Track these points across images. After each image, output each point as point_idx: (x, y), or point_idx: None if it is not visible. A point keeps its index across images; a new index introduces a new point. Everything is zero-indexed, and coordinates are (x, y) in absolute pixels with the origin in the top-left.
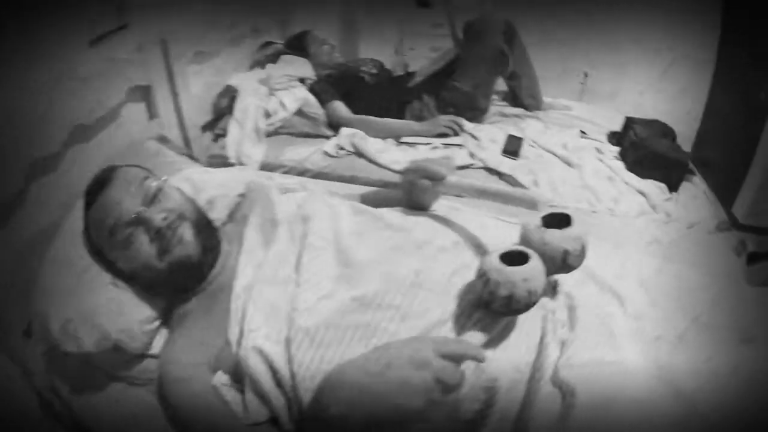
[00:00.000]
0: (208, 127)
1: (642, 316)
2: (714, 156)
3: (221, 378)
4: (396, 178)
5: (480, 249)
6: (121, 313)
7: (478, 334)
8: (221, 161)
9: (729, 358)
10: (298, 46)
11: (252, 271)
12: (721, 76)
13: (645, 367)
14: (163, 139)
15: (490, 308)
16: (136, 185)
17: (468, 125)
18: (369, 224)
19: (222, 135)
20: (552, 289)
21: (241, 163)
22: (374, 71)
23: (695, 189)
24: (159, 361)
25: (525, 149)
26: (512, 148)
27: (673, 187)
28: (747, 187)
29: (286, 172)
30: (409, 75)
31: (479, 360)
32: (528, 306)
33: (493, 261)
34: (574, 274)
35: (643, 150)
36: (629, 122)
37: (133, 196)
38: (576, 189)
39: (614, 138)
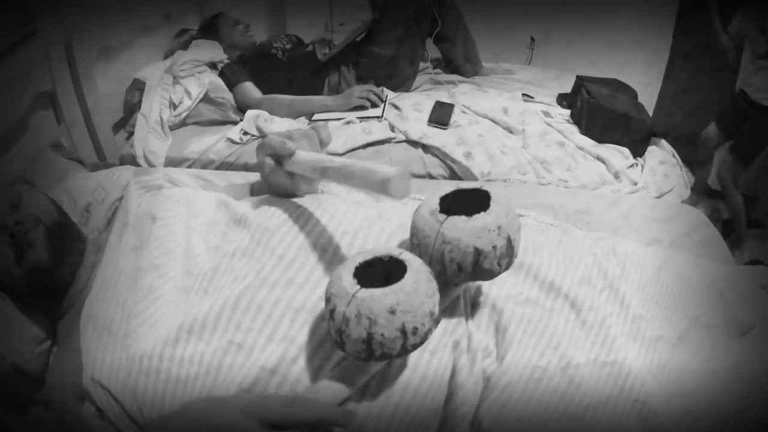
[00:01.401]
0: (120, 125)
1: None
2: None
3: (89, 409)
4: None
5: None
6: (9, 332)
7: (335, 384)
8: (132, 160)
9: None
10: (209, 29)
11: (98, 283)
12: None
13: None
14: (57, 146)
15: (345, 353)
16: (3, 192)
17: (389, 94)
18: (223, 222)
19: (133, 133)
20: (468, 302)
21: (147, 161)
22: (288, 46)
23: (663, 153)
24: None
25: (456, 117)
26: (440, 116)
27: (637, 152)
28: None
29: (190, 166)
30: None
31: (343, 426)
32: (405, 350)
33: (343, 280)
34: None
35: (599, 110)
36: (581, 81)
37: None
38: (519, 159)
39: (564, 100)
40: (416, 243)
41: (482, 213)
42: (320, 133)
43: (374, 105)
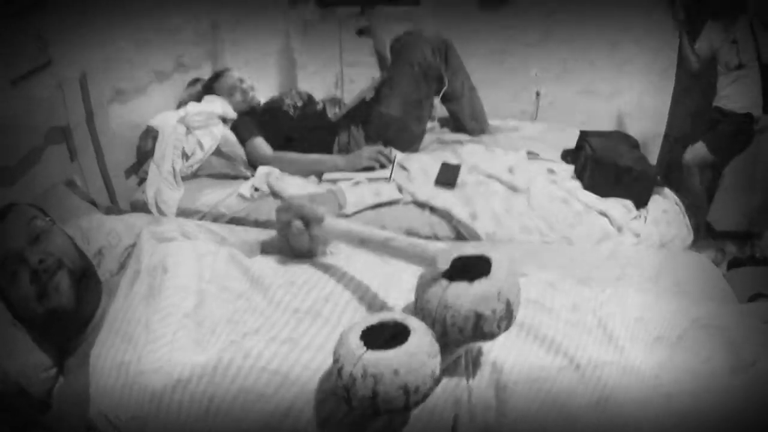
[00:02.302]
0: (132, 170)
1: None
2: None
3: None
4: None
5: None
6: (17, 355)
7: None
8: (143, 206)
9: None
10: (214, 86)
11: (109, 325)
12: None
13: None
14: (71, 184)
15: (351, 408)
16: (23, 223)
17: (397, 155)
18: (233, 277)
19: (145, 179)
20: (470, 361)
21: (159, 209)
22: (299, 104)
23: (666, 201)
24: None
25: (462, 177)
26: (446, 177)
27: (640, 203)
28: (720, 192)
29: (201, 218)
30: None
31: None
32: (407, 407)
33: (351, 341)
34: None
35: (602, 164)
36: (583, 136)
37: (19, 233)
38: (523, 218)
39: (569, 155)
40: (420, 307)
41: (483, 279)
42: (338, 197)
43: (383, 166)
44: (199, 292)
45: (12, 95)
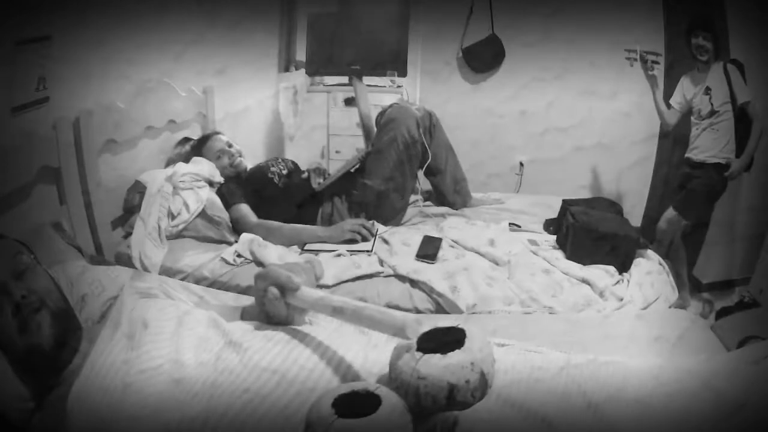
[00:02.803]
0: (119, 222)
1: None
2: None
3: None
4: None
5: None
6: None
7: None
8: (128, 260)
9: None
10: (201, 149)
11: (86, 373)
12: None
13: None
14: (58, 227)
15: None
16: (9, 256)
17: (379, 228)
18: (214, 340)
19: (130, 233)
20: (446, 430)
21: (142, 265)
22: (284, 172)
23: (649, 263)
24: None
25: (443, 251)
26: (428, 251)
27: (624, 268)
28: (707, 245)
29: (183, 279)
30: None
31: None
32: None
33: (322, 408)
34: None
35: (583, 233)
36: (565, 204)
37: (4, 266)
38: (505, 290)
39: (551, 225)
40: (394, 377)
41: (456, 350)
42: (315, 268)
43: (365, 239)
44: (176, 351)
45: (9, 126)
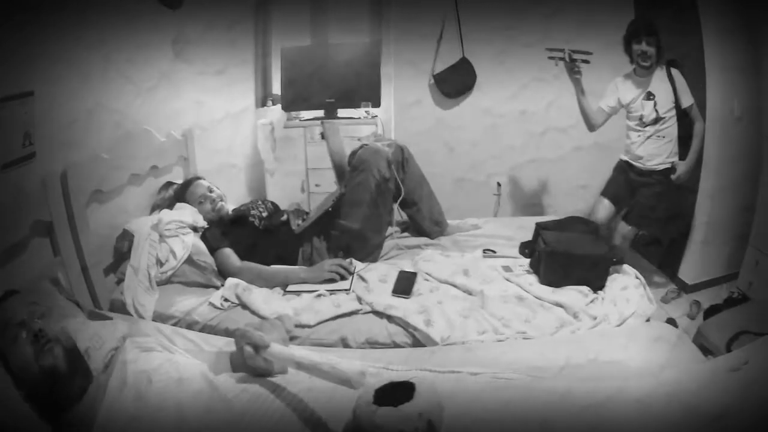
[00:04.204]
0: (111, 269)
1: None
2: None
3: None
4: None
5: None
6: (13, 413)
7: None
8: (122, 307)
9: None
10: (183, 195)
11: (102, 418)
12: None
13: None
14: (56, 282)
15: None
16: (25, 305)
17: (357, 266)
18: (207, 394)
19: (123, 279)
20: None
21: (136, 312)
22: (265, 214)
23: (625, 278)
24: None
25: (418, 285)
26: (403, 286)
27: (597, 286)
28: (691, 246)
29: (175, 324)
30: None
31: None
32: None
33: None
34: None
35: (555, 258)
36: (538, 228)
37: (21, 311)
38: (478, 319)
39: (526, 248)
40: (354, 427)
41: (407, 402)
42: (285, 323)
43: (343, 278)
44: (177, 403)
45: (1, 183)
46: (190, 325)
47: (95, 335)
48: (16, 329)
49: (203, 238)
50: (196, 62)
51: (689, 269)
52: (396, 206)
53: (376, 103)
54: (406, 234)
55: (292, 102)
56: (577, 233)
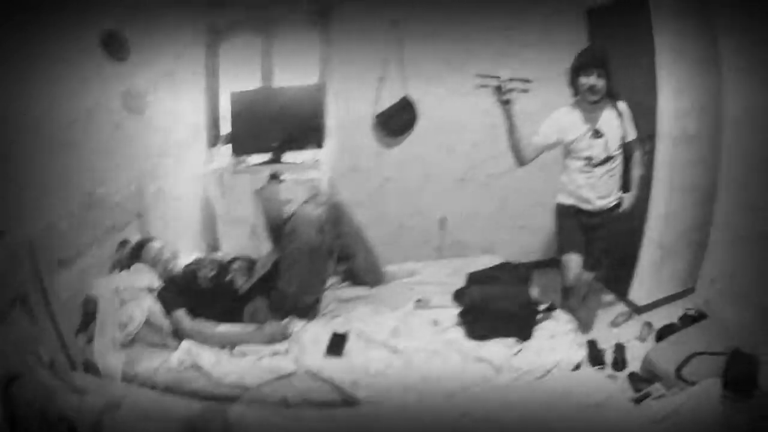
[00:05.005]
0: (81, 329)
1: None
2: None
3: None
4: (230, 392)
5: None
6: None
7: None
8: (94, 367)
9: None
10: (137, 255)
11: None
12: None
13: None
14: (38, 358)
15: None
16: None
17: (295, 326)
18: None
19: (92, 339)
20: None
21: (106, 372)
22: (212, 274)
23: (555, 324)
24: None
25: (350, 343)
26: (335, 347)
27: (523, 337)
28: (641, 267)
29: (141, 384)
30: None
31: None
32: None
33: None
34: None
35: (482, 312)
36: (469, 280)
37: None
38: (403, 378)
39: (458, 297)
40: None
41: None
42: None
43: (283, 339)
44: None
45: None
46: (153, 387)
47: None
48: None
49: (159, 298)
50: (146, 112)
51: (640, 290)
52: (332, 260)
53: (320, 145)
54: (345, 283)
55: (240, 146)
56: (505, 284)
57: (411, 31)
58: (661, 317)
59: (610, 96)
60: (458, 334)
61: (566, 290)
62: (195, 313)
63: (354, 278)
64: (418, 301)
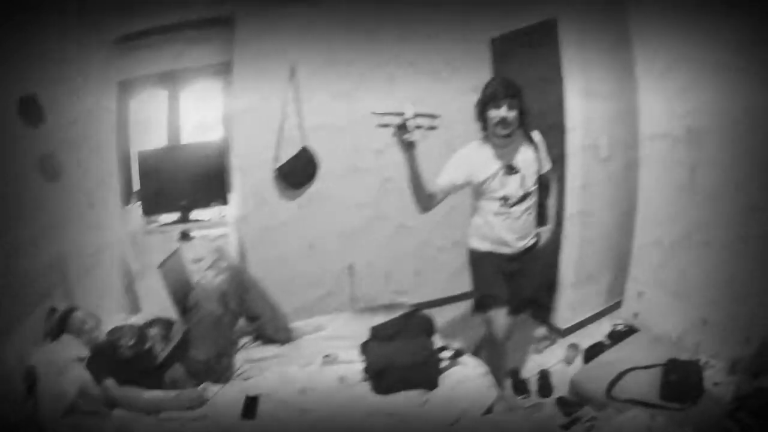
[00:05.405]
0: (27, 398)
1: None
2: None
3: None
4: None
5: None
6: None
7: None
8: None
9: None
10: (63, 326)
11: None
12: None
13: None
14: None
15: None
16: None
17: (210, 391)
18: None
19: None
20: None
21: None
22: (132, 342)
23: (462, 370)
24: None
25: (262, 406)
26: (248, 410)
27: (430, 388)
28: (561, 291)
29: None
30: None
31: None
32: None
33: None
34: None
35: (380, 371)
36: (372, 335)
37: None
38: None
39: (363, 351)
40: None
41: None
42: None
43: (201, 404)
44: None
45: None
46: None
47: None
48: None
49: (88, 368)
50: (62, 177)
51: (562, 313)
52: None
53: (225, 202)
54: (257, 343)
55: (149, 206)
56: (408, 336)
57: (307, 77)
58: (588, 335)
59: (523, 127)
60: (366, 388)
61: (490, 344)
62: (120, 383)
63: (264, 338)
64: (326, 356)
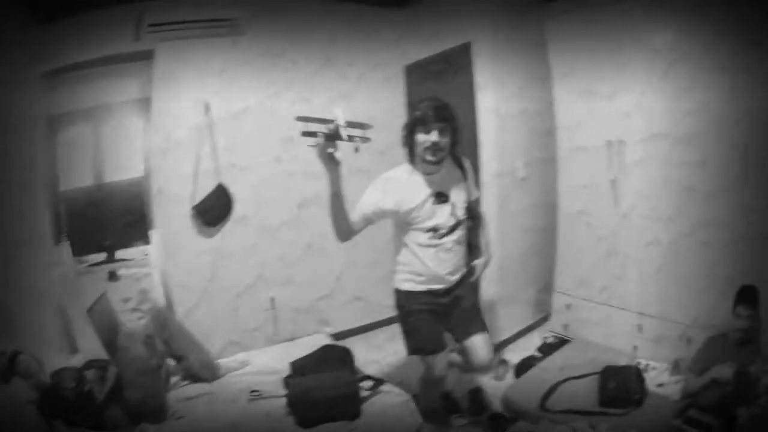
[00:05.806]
0: None
1: None
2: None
3: None
4: None
5: None
6: None
7: None
8: None
9: None
10: (11, 370)
11: None
12: None
13: None
14: None
15: None
16: None
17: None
18: None
19: None
20: None
21: None
22: (72, 385)
23: (383, 398)
24: None
25: None
26: None
27: (352, 417)
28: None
29: None
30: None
31: None
32: None
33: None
34: None
35: (299, 404)
36: (292, 370)
37: None
38: None
39: (286, 386)
40: None
41: None
42: None
43: None
44: None
45: None
46: None
47: None
48: None
49: (38, 410)
50: None
51: (491, 329)
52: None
53: (147, 241)
54: (186, 382)
55: (77, 246)
56: (327, 369)
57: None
58: (518, 349)
59: (452, 152)
60: (291, 422)
61: (428, 381)
62: (69, 422)
63: (192, 377)
64: (253, 392)
